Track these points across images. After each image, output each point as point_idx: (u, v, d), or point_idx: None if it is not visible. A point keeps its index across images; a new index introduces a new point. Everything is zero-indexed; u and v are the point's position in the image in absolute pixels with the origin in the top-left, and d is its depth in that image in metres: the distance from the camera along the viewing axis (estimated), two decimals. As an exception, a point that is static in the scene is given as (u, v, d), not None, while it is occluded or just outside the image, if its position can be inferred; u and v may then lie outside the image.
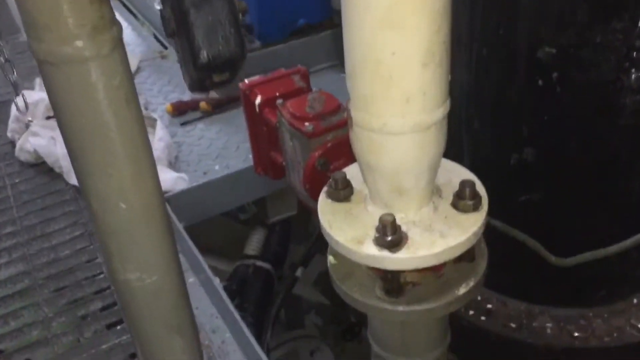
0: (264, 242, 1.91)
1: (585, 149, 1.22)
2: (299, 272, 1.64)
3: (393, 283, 0.93)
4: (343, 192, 0.97)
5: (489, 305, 1.49)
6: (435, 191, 0.95)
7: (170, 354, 0.91)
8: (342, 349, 2.25)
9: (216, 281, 1.39)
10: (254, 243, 1.90)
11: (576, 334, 1.39)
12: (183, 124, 2.11)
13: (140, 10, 2.95)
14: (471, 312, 1.48)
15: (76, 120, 0.70)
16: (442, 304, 0.93)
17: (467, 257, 0.98)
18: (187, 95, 2.24)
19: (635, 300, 1.45)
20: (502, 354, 1.46)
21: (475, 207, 0.92)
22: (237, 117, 2.11)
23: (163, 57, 2.59)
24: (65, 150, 1.89)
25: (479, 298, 1.51)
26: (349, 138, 0.93)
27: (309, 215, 1.95)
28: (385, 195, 0.91)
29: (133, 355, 1.36)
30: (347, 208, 0.96)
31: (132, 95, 0.71)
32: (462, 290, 0.95)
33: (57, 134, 1.94)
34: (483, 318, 1.47)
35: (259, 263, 1.84)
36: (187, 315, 0.91)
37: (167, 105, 2.15)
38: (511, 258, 1.46)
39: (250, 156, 1.85)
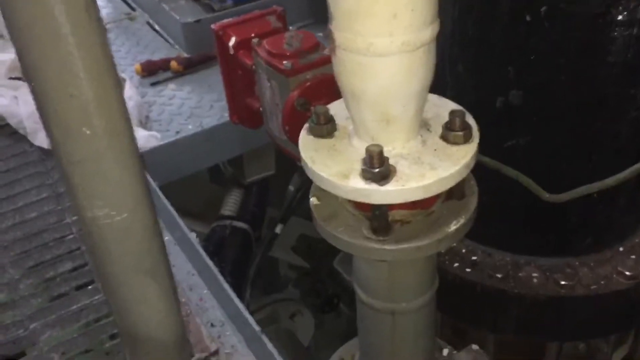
0: (241, 202, 1.85)
1: (573, 89, 1.17)
2: (278, 229, 1.59)
3: (381, 220, 0.88)
4: (326, 128, 0.91)
5: (474, 257, 1.45)
6: (423, 125, 0.90)
7: (143, 301, 0.85)
8: (320, 321, 2.21)
9: (192, 237, 1.33)
10: (231, 204, 1.84)
11: (562, 283, 1.36)
12: (153, 84, 2.03)
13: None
14: (456, 265, 1.45)
15: (29, 31, 0.62)
16: (433, 241, 0.89)
17: (457, 194, 0.94)
18: (156, 56, 2.16)
19: (621, 248, 1.43)
20: (489, 306, 1.43)
21: (466, 139, 0.87)
22: (210, 76, 2.04)
23: (131, 19, 2.49)
24: (29, 110, 1.81)
25: (464, 250, 1.48)
26: (329, 77, 0.87)
27: (287, 176, 1.89)
28: (371, 126, 0.85)
29: (107, 315, 1.30)
30: (331, 144, 0.91)
31: (92, 3, 0.64)
32: (453, 227, 0.90)
33: (20, 93, 1.85)
34: (468, 270, 1.44)
35: (236, 223, 1.79)
36: (162, 258, 0.85)
37: (136, 66, 2.06)
38: (497, 207, 1.43)
39: (226, 114, 1.79)
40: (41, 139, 1.77)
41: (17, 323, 1.29)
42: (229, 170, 1.89)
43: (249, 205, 1.86)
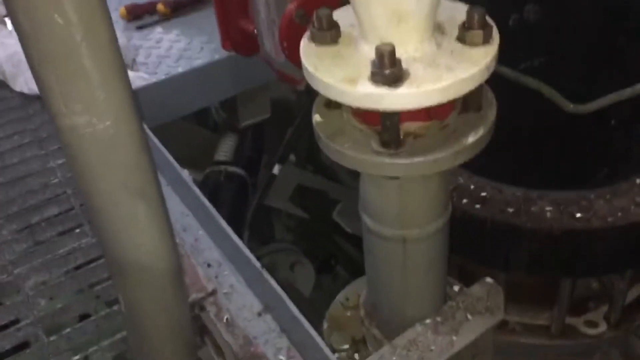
0: (236, 147, 1.76)
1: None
2: (275, 170, 1.51)
3: (391, 132, 0.79)
4: (329, 34, 0.82)
5: (483, 193, 1.38)
6: (436, 28, 0.81)
7: (132, 224, 0.77)
8: (317, 283, 2.14)
9: (185, 174, 1.25)
10: (225, 149, 1.75)
11: (578, 215, 1.29)
12: (139, 27, 1.92)
13: None
14: (465, 201, 1.37)
15: None
16: (449, 154, 0.81)
17: (473, 105, 0.86)
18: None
19: (638, 180, 1.35)
20: (500, 242, 1.35)
21: (486, 39, 0.78)
22: (199, 18, 1.94)
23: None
24: (9, 53, 1.70)
25: (472, 186, 1.40)
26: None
27: (283, 121, 1.81)
28: (381, 25, 0.76)
29: (97, 258, 1.22)
30: (335, 50, 0.82)
31: None
32: (471, 138, 0.82)
33: (-2, 37, 1.74)
34: (477, 206, 1.36)
35: (231, 168, 1.70)
36: (151, 176, 0.77)
37: (121, 9, 1.95)
38: (506, 138, 1.35)
39: (217, 55, 1.70)
40: (21, 84, 1.67)
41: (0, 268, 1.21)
42: (222, 115, 1.80)
43: (245, 150, 1.78)
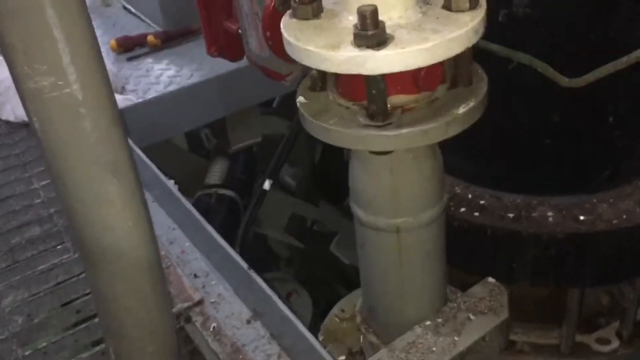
0: (227, 171, 1.72)
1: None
2: (267, 185, 1.46)
3: (378, 102, 0.76)
4: (310, 7, 0.80)
5: (482, 201, 1.33)
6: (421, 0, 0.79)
7: (105, 202, 0.72)
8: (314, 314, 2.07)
9: (171, 184, 1.21)
10: (216, 173, 1.71)
11: (581, 218, 1.23)
12: (130, 59, 1.91)
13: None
14: (462, 210, 1.32)
15: None
16: (440, 124, 0.77)
17: (463, 79, 0.83)
18: (133, 32, 2.05)
19: (641, 183, 1.31)
20: (501, 251, 1.30)
21: (473, 4, 0.76)
22: (190, 49, 1.93)
23: (107, 5, 2.39)
24: (-5, 81, 1.68)
25: (470, 196, 1.35)
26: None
27: (275, 144, 1.77)
28: (363, -11, 0.74)
29: (77, 275, 1.16)
30: (317, 23, 0.79)
31: None
32: (462, 109, 0.79)
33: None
34: (476, 214, 1.31)
35: (222, 191, 1.66)
36: (124, 151, 0.72)
37: (111, 41, 1.95)
38: (502, 142, 1.32)
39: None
40: (7, 112, 1.65)
41: (-24, 286, 1.15)
42: (213, 141, 1.77)
43: (236, 174, 1.74)
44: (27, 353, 1.02)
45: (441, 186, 0.92)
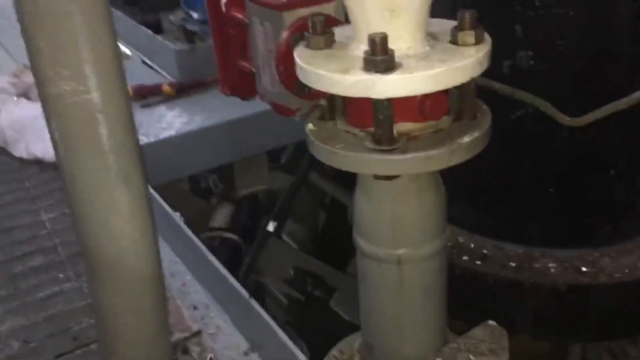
0: (232, 215, 1.74)
1: (583, 43, 1.11)
2: (271, 227, 1.47)
3: (384, 127, 0.78)
4: (323, 38, 0.84)
5: (484, 251, 1.34)
6: (429, 36, 0.83)
7: (113, 211, 0.73)
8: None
9: (176, 216, 1.22)
10: (221, 217, 1.72)
11: (584, 269, 1.24)
12: (144, 106, 1.96)
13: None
14: (465, 258, 1.33)
15: None
16: (444, 151, 0.79)
17: (468, 114, 0.85)
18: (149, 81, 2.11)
19: (644, 239, 1.31)
20: (503, 300, 1.29)
21: (478, 39, 0.79)
22: (203, 99, 1.98)
23: (126, 58, 2.47)
24: (11, 119, 1.73)
25: (472, 245, 1.36)
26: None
27: (280, 191, 1.79)
28: (373, 18, 0.78)
29: (77, 303, 1.16)
30: (329, 52, 0.83)
31: None
32: (466, 139, 0.81)
33: (4, 107, 1.78)
34: (478, 262, 1.31)
35: (226, 234, 1.66)
36: (137, 161, 0.74)
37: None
38: (505, 192, 1.33)
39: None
40: (21, 150, 1.69)
41: (-25, 311, 1.15)
42: (220, 186, 1.79)
43: (241, 219, 1.75)
44: (21, 376, 1.01)
45: (443, 220, 0.93)
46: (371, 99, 0.76)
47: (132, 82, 2.16)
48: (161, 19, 2.70)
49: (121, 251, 0.76)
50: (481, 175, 1.33)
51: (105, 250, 0.76)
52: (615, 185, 1.24)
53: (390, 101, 0.76)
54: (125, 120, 0.72)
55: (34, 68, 0.67)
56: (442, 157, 0.79)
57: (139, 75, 2.26)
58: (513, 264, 1.27)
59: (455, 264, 1.31)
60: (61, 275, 1.22)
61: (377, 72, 0.74)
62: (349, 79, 0.75)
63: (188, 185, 1.88)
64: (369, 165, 0.80)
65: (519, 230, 1.33)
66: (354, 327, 1.49)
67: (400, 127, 0.81)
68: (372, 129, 0.81)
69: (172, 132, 1.66)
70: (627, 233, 1.32)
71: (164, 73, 2.22)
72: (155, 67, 2.29)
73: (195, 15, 2.35)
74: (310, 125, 0.88)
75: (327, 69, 0.77)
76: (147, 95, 2.03)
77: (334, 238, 2.36)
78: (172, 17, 2.72)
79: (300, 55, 0.83)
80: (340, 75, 0.75)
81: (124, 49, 2.53)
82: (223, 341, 1.04)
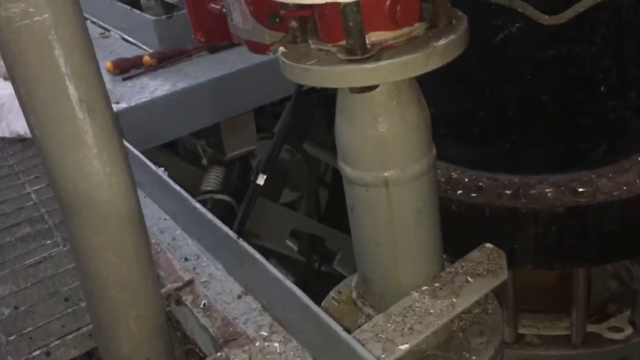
0: (223, 178, 1.71)
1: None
2: (260, 180, 1.44)
3: (355, 35, 0.75)
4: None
5: (479, 183, 1.30)
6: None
7: (80, 145, 0.69)
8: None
9: (160, 171, 1.19)
10: (212, 180, 1.69)
11: (580, 190, 1.21)
12: (125, 79, 1.93)
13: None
14: (459, 192, 1.30)
15: None
16: (420, 55, 0.76)
17: (442, 19, 0.82)
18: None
19: (640, 158, 1.28)
20: (501, 231, 1.26)
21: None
22: (185, 67, 1.94)
23: (105, 37, 2.44)
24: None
25: (466, 179, 1.33)
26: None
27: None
28: None
29: (67, 266, 1.14)
30: (292, -33, 0.79)
31: None
32: (442, 42, 0.77)
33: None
34: (474, 195, 1.28)
35: (218, 196, 1.64)
36: (100, 90, 0.71)
37: (107, 63, 1.97)
38: (495, 120, 1.30)
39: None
40: (2, 129, 1.66)
41: (-37, 280, 1.13)
42: (208, 151, 1.76)
43: (232, 180, 1.72)
44: (11, 338, 0.98)
45: (429, 139, 0.90)
46: (339, 7, 0.73)
47: (111, 57, 2.12)
48: (138, -3, 2.66)
49: (93, 186, 0.74)
50: (470, 109, 1.31)
51: (76, 188, 0.73)
52: (608, 103, 1.21)
53: (359, 6, 0.73)
54: (83, 44, 0.69)
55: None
56: (419, 62, 0.76)
57: (120, 51, 2.22)
58: (508, 192, 1.24)
59: (450, 198, 1.29)
60: (49, 242, 1.20)
61: (340, -31, 0.70)
62: (312, -19, 0.71)
63: (179, 152, 1.85)
64: (343, 77, 0.77)
65: (513, 160, 1.30)
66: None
67: (373, 36, 0.78)
68: (344, 42, 0.78)
69: (154, 96, 1.63)
70: (623, 152, 1.29)
71: (144, 47, 2.18)
72: (136, 42, 2.25)
73: (172, -15, 2.32)
74: (281, 49, 0.85)
75: (291, -26, 0.74)
76: (129, 68, 1.99)
77: (337, 211, 2.35)
78: (149, -7, 2.68)
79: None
80: (303, -22, 0.72)
81: (102, 28, 2.50)
82: (216, 287, 1.02)
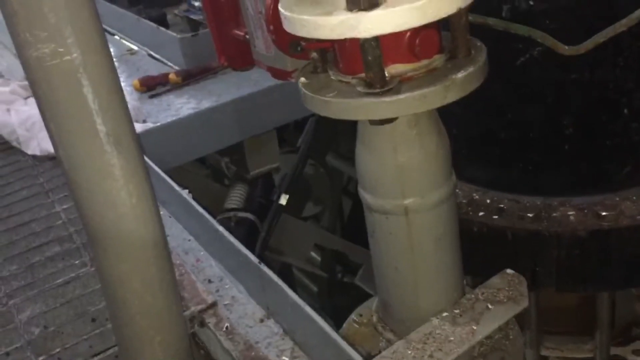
0: (246, 195, 1.73)
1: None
2: (282, 200, 1.46)
3: (374, 68, 0.76)
4: (307, -13, 0.82)
5: (500, 205, 1.30)
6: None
7: (108, 176, 0.72)
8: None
9: (184, 192, 1.21)
10: (235, 198, 1.71)
11: (603, 214, 1.20)
12: (152, 96, 1.97)
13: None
14: (481, 214, 1.30)
15: None
16: (439, 88, 0.77)
17: (462, 50, 0.83)
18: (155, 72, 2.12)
19: (666, 180, 1.27)
20: (523, 254, 1.26)
21: (464, -30, 0.77)
22: (209, 85, 1.98)
23: (132, 53, 2.49)
24: (21, 118, 1.74)
25: (488, 200, 1.33)
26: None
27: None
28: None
29: (94, 286, 1.17)
30: (314, 0, 0.81)
31: None
32: (461, 74, 0.78)
33: (14, 106, 1.80)
34: (495, 217, 1.28)
35: (242, 214, 1.66)
36: (126, 123, 0.73)
37: (134, 81, 2.02)
38: (517, 143, 1.30)
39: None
40: (34, 147, 1.70)
41: (-6, 299, 1.16)
42: (232, 169, 1.78)
43: (255, 197, 1.74)
44: (40, 359, 1.01)
45: (448, 166, 0.91)
46: (359, 41, 0.74)
47: (138, 74, 2.17)
48: (165, 14, 2.72)
49: (119, 217, 0.76)
50: (492, 130, 1.31)
51: (103, 218, 0.76)
52: (631, 125, 1.20)
53: (378, 40, 0.74)
54: (110, 81, 0.71)
55: (12, 33, 0.67)
56: (437, 95, 0.77)
57: (147, 68, 2.27)
58: (531, 215, 1.23)
59: (472, 220, 1.29)
60: (77, 262, 1.23)
61: (360, 10, 0.72)
62: (332, 20, 0.73)
63: (203, 171, 1.88)
64: (363, 110, 0.78)
65: (535, 182, 1.30)
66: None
67: (392, 69, 0.79)
68: (363, 74, 0.79)
69: (179, 116, 1.66)
70: (647, 174, 1.28)
71: (170, 64, 2.23)
72: (162, 59, 2.30)
73: (197, 3, 2.36)
74: (302, 79, 0.87)
75: (311, 14, 0.75)
76: (155, 86, 2.03)
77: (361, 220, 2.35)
78: (175, 11, 2.73)
79: (285, 5, 0.81)
80: (323, 18, 0.74)
81: (129, 45, 2.55)
82: (239, 311, 1.03)
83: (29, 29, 0.65)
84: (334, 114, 0.80)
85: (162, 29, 2.21)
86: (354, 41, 0.76)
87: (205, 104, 1.83)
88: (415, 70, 0.79)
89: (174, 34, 2.12)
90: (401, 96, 0.76)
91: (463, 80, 0.78)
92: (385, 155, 0.86)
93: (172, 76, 2.00)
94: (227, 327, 1.00)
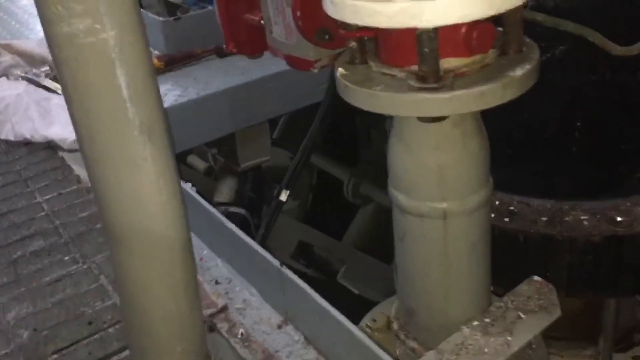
0: (236, 189, 1.65)
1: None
2: (283, 196, 1.39)
3: (430, 62, 0.70)
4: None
5: (511, 207, 1.27)
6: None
7: (138, 171, 0.65)
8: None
9: (187, 186, 1.13)
10: (225, 191, 1.64)
11: (618, 219, 1.18)
12: (133, 82, 1.86)
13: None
14: (492, 216, 1.26)
15: None
16: (497, 86, 0.72)
17: (514, 46, 0.78)
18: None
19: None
20: (535, 258, 1.23)
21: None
22: (194, 71, 1.88)
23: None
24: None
25: (497, 202, 1.29)
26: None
27: (283, 164, 1.71)
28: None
29: (88, 285, 1.08)
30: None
31: None
32: (519, 72, 0.73)
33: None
34: (507, 220, 1.25)
35: (232, 209, 1.58)
36: (160, 112, 0.66)
37: (114, 65, 1.90)
38: (530, 144, 1.27)
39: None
40: (7, 131, 1.59)
41: (-23, 300, 1.06)
42: (220, 161, 1.70)
43: (245, 191, 1.67)
44: (34, 366, 0.92)
45: (488, 169, 0.86)
46: (413, 31, 0.69)
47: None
48: (140, -4, 2.59)
49: (147, 216, 0.68)
50: (505, 130, 1.27)
51: (129, 217, 0.68)
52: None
53: (437, 32, 0.68)
54: (146, 65, 0.64)
55: (39, 5, 0.58)
56: (496, 93, 0.72)
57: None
58: (544, 219, 1.20)
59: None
60: (66, 258, 1.14)
61: (423, -3, 0.66)
62: (392, 7, 0.67)
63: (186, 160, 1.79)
64: (415, 106, 0.72)
65: (545, 184, 1.27)
66: (362, 301, 1.40)
67: (445, 63, 0.73)
68: (414, 67, 0.73)
69: (166, 105, 1.57)
70: (659, 179, 1.26)
71: (150, 48, 2.12)
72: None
73: (175, -16, 2.25)
74: (341, 70, 0.80)
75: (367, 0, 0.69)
76: (136, 71, 1.93)
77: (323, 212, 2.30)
78: (152, -8, 2.61)
79: None
80: (382, 4, 0.67)
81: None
82: (253, 315, 0.97)
83: (62, 1, 0.57)
84: (381, 109, 0.74)
85: (143, 11, 2.10)
86: (406, 31, 0.70)
87: (192, 90, 1.74)
88: (469, 66, 0.74)
89: (156, 17, 2.02)
90: (457, 93, 0.71)
91: (522, 79, 0.73)
92: (426, 155, 0.81)
93: (154, 61, 1.90)
94: (242, 334, 0.93)
